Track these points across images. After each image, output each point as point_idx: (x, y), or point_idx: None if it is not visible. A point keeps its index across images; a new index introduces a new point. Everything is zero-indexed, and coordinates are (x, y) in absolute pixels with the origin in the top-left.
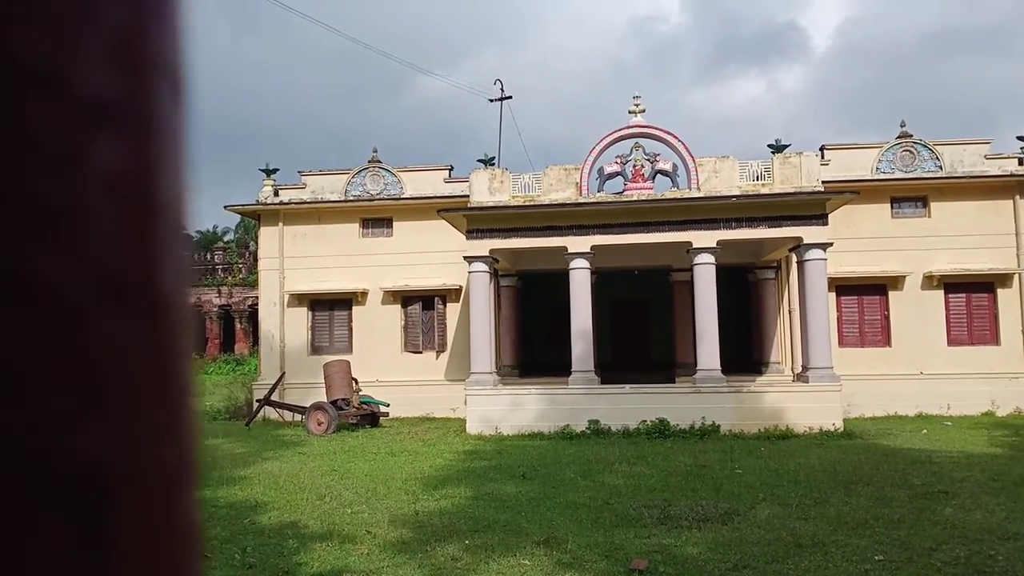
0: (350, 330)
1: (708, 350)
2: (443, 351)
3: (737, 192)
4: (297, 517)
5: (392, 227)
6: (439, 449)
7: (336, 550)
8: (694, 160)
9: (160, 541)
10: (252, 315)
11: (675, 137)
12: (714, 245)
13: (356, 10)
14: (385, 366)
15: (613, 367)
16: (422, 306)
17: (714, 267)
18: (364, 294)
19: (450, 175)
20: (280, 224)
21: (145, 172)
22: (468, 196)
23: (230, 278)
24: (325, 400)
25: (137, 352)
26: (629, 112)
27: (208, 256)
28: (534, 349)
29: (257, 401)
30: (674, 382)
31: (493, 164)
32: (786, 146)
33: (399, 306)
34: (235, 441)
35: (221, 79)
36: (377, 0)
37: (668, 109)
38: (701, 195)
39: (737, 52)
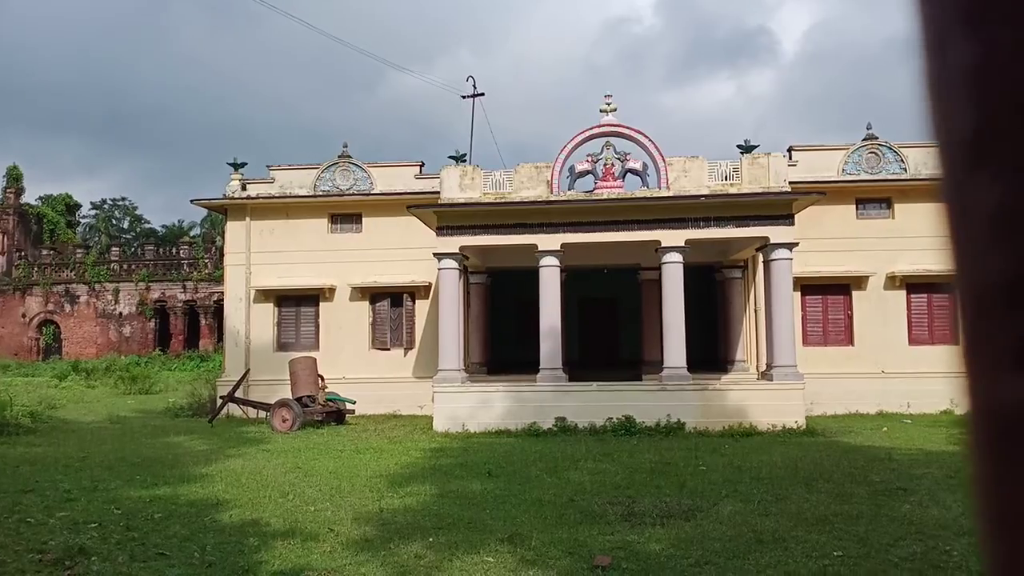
0: (317, 327)
1: (675, 348)
2: (411, 348)
3: (706, 192)
4: (259, 515)
5: (361, 223)
6: (405, 447)
7: (298, 548)
8: (664, 159)
9: None
10: (217, 311)
11: (645, 136)
12: (682, 244)
13: (331, 6)
14: (352, 363)
15: (581, 365)
16: (391, 303)
17: (682, 266)
18: (332, 290)
19: (421, 171)
20: (247, 219)
21: None
22: (439, 193)
23: (195, 273)
24: (290, 397)
25: None
26: (600, 111)
27: (173, 251)
28: (503, 347)
29: (221, 398)
30: (641, 380)
31: (464, 161)
32: (755, 147)
33: (367, 303)
34: (197, 438)
35: (195, 74)
36: None
37: (640, 110)
38: (670, 194)
39: (708, 54)
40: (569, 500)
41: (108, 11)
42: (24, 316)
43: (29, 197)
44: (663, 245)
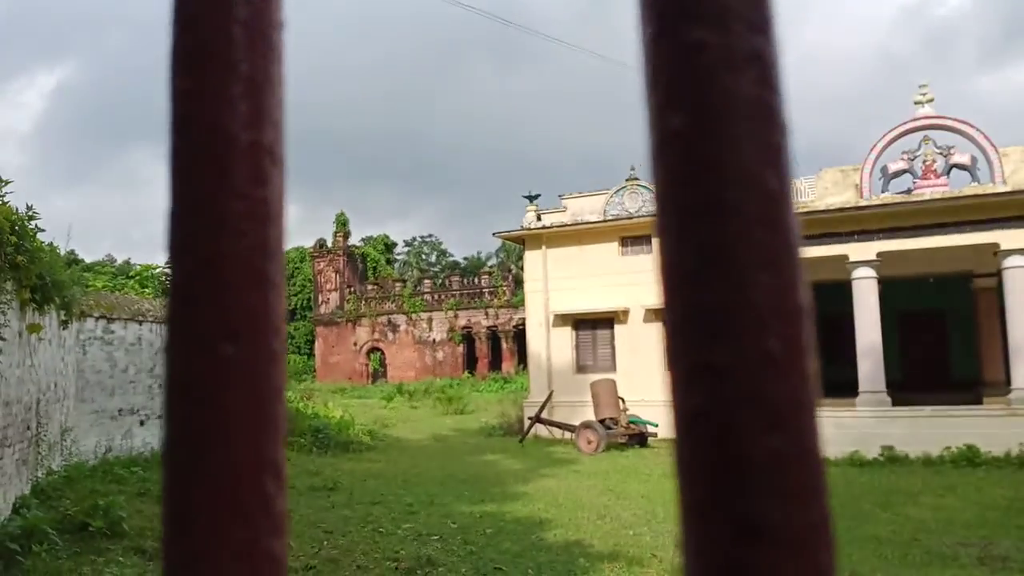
0: (613, 348)
1: None
2: None
3: None
4: (581, 536)
5: (651, 244)
6: None
7: (625, 572)
8: (997, 151)
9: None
10: (517, 335)
11: (972, 126)
12: None
13: (605, 29)
14: (649, 385)
15: (904, 387)
16: None
17: None
18: (625, 313)
19: None
20: (543, 247)
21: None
22: None
23: (495, 300)
24: (593, 419)
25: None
26: (915, 103)
27: (475, 280)
28: None
29: (529, 419)
30: (981, 403)
31: None
32: None
33: (661, 324)
34: (511, 457)
35: (486, 113)
36: (628, 18)
37: (951, 98)
38: (1009, 189)
39: None
40: (911, 539)
41: (411, 62)
42: (355, 344)
43: (353, 239)
44: (1003, 248)
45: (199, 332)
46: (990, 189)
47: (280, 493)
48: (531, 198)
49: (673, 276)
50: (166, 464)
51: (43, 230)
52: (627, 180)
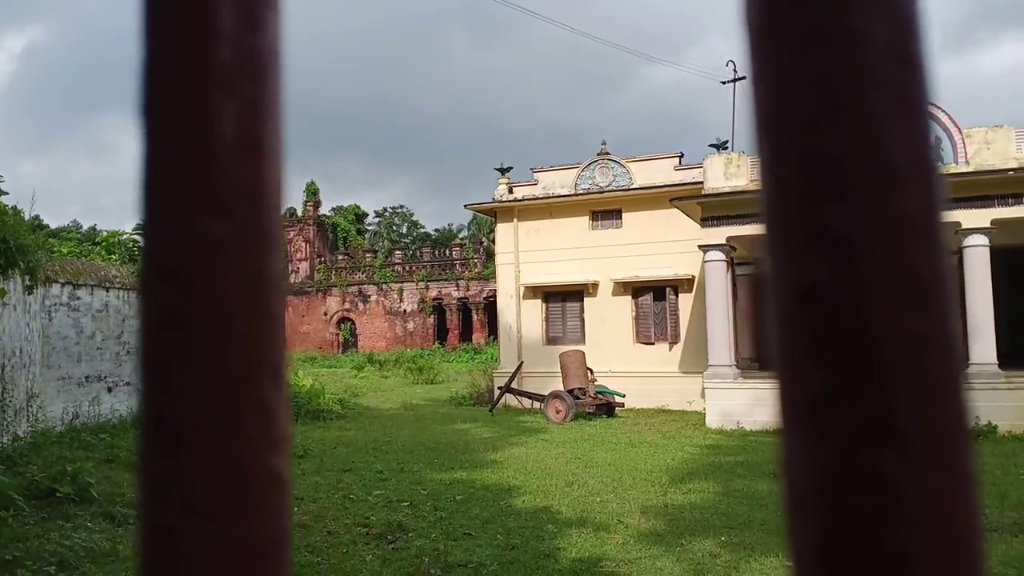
0: (582, 321)
1: (981, 342)
2: (676, 343)
3: (1015, 165)
4: (549, 503)
5: (621, 218)
6: (679, 442)
7: (591, 537)
8: (960, 131)
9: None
10: (487, 307)
11: (937, 107)
12: (987, 225)
13: (579, 11)
14: (618, 357)
15: None
16: (653, 297)
17: (988, 249)
18: (595, 285)
19: (680, 163)
20: (515, 220)
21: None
22: (700, 183)
23: (467, 272)
24: (562, 389)
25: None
26: None
27: (447, 252)
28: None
29: (499, 388)
30: None
31: (726, 148)
32: None
33: (629, 297)
34: (481, 426)
35: (460, 85)
36: None
37: None
38: (970, 170)
39: (990, 16)
40: None
41: (387, 34)
42: (326, 314)
43: (324, 209)
44: (963, 227)
45: (181, 206)
46: (953, 169)
47: (280, 400)
48: (503, 170)
49: (784, 122)
50: (143, 366)
51: (6, 193)
52: (598, 154)
